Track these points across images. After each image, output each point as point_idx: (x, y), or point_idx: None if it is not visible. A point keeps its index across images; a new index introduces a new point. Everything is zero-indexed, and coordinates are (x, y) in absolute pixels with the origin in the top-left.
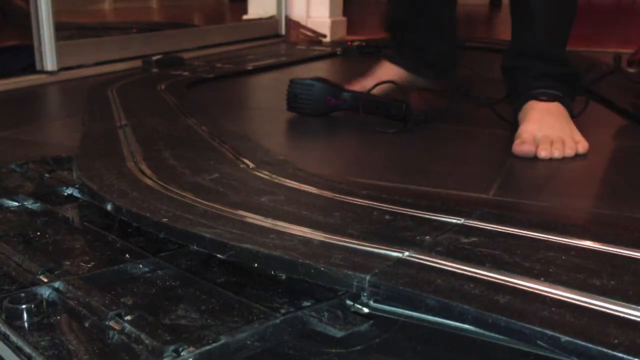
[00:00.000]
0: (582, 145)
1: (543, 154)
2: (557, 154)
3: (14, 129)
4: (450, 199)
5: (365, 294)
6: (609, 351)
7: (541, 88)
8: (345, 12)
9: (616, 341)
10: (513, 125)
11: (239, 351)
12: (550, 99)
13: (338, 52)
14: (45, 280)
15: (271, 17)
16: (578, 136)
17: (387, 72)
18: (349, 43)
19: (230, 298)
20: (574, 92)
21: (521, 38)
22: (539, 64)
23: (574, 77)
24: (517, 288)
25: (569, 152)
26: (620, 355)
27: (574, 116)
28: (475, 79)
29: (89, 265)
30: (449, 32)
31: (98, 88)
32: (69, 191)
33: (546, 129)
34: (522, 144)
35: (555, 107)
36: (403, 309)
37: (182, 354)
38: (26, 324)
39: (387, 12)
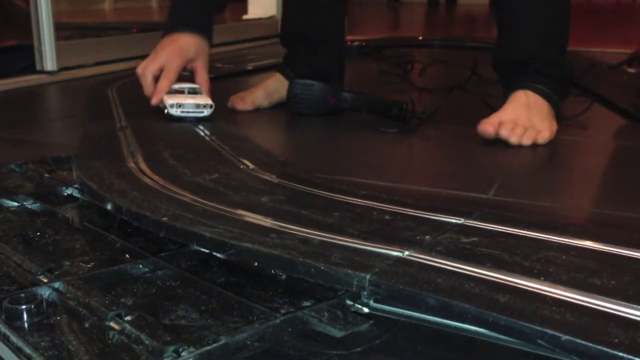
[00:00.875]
0: (542, 136)
1: (503, 133)
2: (514, 139)
3: (14, 129)
4: (450, 199)
5: (365, 293)
6: (610, 350)
7: (529, 82)
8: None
9: (616, 340)
10: None
11: (239, 351)
12: (537, 93)
13: None
14: (45, 280)
15: (271, 17)
16: (542, 127)
17: (276, 83)
18: (349, 43)
19: (230, 298)
20: (566, 92)
21: (516, 40)
22: (538, 63)
23: (569, 80)
24: (517, 287)
25: (526, 140)
26: (621, 354)
27: (564, 117)
28: (475, 78)
29: (89, 266)
30: (338, 46)
31: (98, 88)
32: (69, 191)
33: (514, 116)
34: (485, 124)
35: (536, 101)
36: (403, 308)
37: (182, 354)
38: (26, 325)
39: (282, 27)
